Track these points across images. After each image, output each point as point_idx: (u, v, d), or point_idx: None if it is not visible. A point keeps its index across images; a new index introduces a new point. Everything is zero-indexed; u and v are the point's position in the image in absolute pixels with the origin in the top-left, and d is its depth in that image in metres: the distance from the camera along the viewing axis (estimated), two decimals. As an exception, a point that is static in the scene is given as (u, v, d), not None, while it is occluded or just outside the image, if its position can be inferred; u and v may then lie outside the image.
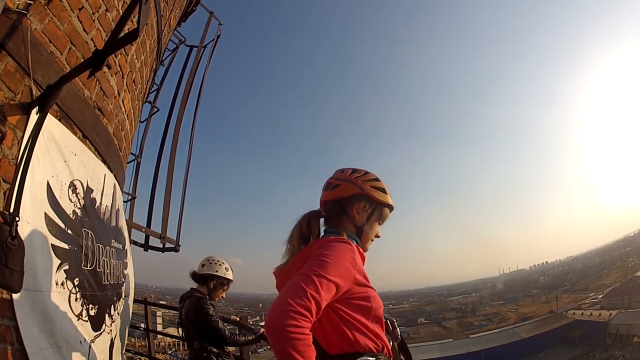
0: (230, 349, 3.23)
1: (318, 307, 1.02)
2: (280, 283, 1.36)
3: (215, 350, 2.94)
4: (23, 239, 1.48)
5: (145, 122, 6.92)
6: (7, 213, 1.41)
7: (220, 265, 3.11)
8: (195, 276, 3.11)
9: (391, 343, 1.32)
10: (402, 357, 1.42)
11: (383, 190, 1.40)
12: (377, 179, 1.41)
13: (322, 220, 1.41)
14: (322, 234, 1.37)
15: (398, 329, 1.38)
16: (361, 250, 1.32)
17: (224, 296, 3.17)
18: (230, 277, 3.14)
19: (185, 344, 3.11)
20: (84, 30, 2.00)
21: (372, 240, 1.43)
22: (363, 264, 1.28)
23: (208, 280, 3.07)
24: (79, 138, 2.06)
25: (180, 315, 3.08)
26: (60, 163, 1.83)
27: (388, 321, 1.34)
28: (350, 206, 1.36)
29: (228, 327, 3.09)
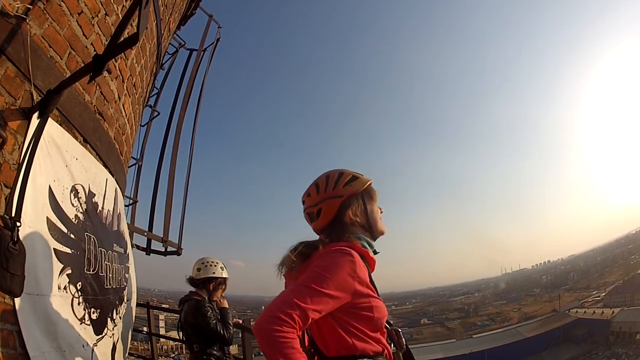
0: (232, 350, 3.21)
1: (304, 317, 1.04)
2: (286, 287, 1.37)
3: (215, 352, 2.94)
4: (24, 243, 1.48)
5: (145, 126, 6.92)
6: (8, 218, 1.42)
7: (215, 266, 3.14)
8: (193, 282, 3.13)
9: (394, 351, 1.30)
10: None
11: (355, 178, 1.35)
12: (342, 174, 1.36)
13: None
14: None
15: (403, 339, 1.34)
16: (372, 256, 1.29)
17: (224, 294, 3.22)
18: (226, 275, 3.18)
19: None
20: (84, 34, 2.00)
21: (381, 219, 1.39)
22: (373, 269, 1.26)
23: (207, 283, 3.09)
24: (80, 142, 2.07)
25: (179, 319, 3.09)
26: (61, 167, 1.83)
27: (393, 331, 1.32)
28: (346, 216, 1.32)
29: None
